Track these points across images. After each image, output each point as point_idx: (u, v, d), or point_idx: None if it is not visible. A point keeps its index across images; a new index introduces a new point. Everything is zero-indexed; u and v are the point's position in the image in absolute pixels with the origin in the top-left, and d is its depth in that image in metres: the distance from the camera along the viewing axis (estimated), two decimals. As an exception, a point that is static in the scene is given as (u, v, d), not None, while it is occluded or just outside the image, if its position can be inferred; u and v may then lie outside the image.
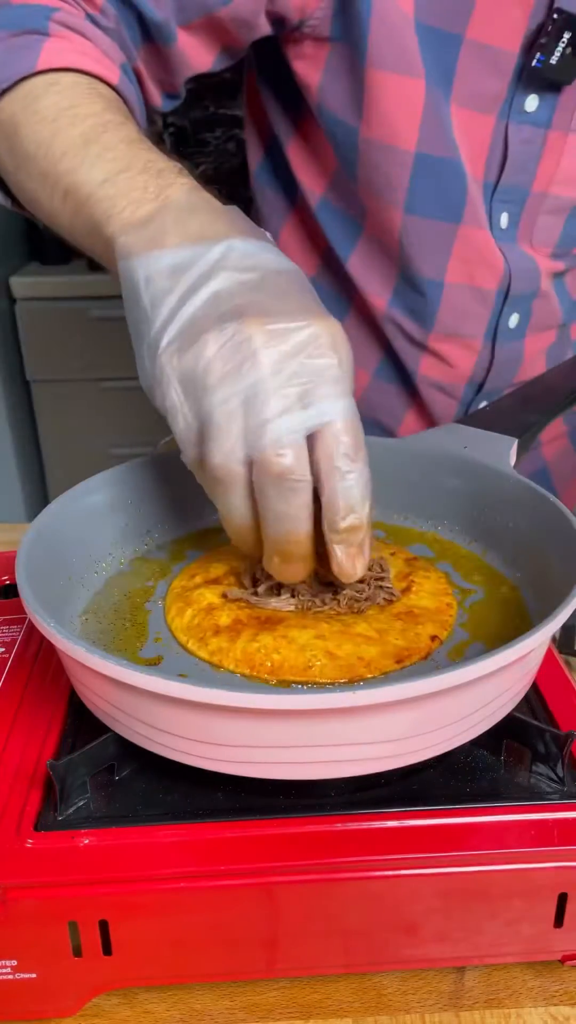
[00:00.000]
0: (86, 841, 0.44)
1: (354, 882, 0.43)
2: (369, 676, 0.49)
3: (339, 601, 0.53)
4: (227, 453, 0.44)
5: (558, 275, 0.92)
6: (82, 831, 0.44)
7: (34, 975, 0.44)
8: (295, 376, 0.43)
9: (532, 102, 0.78)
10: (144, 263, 0.47)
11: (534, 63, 0.74)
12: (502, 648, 0.42)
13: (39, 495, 2.68)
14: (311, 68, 0.78)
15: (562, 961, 0.47)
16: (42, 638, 0.58)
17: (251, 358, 0.43)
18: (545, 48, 0.73)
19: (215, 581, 0.56)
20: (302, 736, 0.42)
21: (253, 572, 0.54)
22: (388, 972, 0.47)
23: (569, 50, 0.73)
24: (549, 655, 0.56)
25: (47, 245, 2.29)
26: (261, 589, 0.53)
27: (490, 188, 0.82)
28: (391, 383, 0.93)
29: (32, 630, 0.60)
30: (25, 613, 0.47)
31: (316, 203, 0.87)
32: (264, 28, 0.75)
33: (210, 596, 0.54)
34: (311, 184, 0.86)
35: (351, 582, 0.48)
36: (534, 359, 0.94)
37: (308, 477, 0.44)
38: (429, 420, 0.94)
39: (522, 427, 0.66)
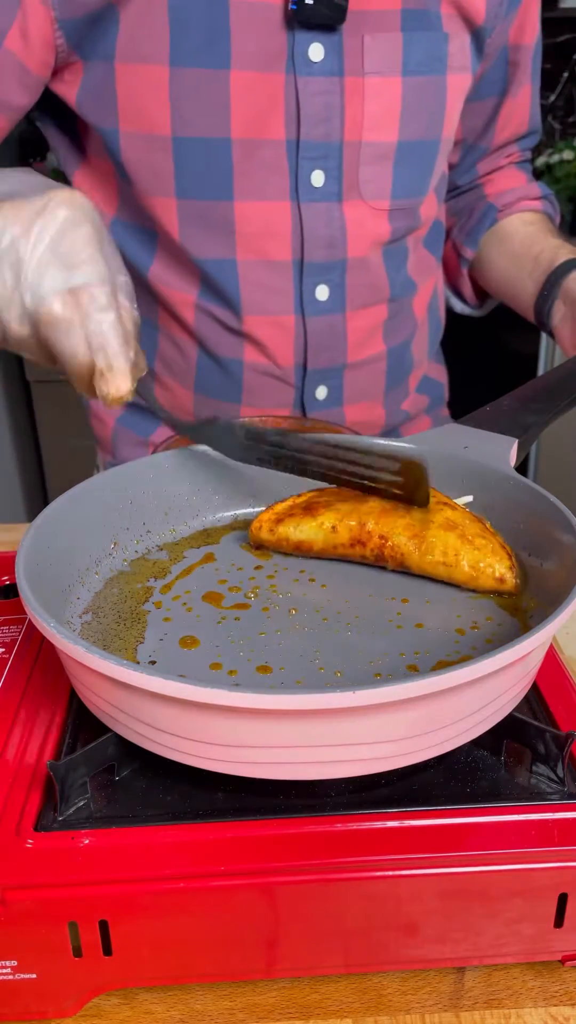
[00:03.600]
0: (86, 841, 0.44)
1: (354, 882, 0.43)
2: None
3: None
4: (17, 318, 0.54)
5: (391, 243, 0.89)
6: (82, 831, 0.44)
7: (34, 975, 0.44)
8: (53, 248, 0.52)
9: (316, 51, 0.78)
10: None
11: (291, 6, 0.74)
12: (502, 648, 0.42)
13: (39, 495, 2.68)
14: (69, 88, 0.80)
15: (562, 961, 0.47)
16: (42, 638, 0.58)
17: (11, 245, 0.53)
18: None
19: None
20: (302, 736, 0.42)
21: None
22: (388, 972, 0.47)
23: None
24: (549, 655, 0.56)
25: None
26: None
27: (293, 146, 0.81)
28: (216, 379, 0.92)
29: (32, 630, 0.60)
30: (25, 613, 0.47)
31: (108, 225, 0.86)
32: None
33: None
34: (103, 208, 0.87)
35: (117, 403, 0.55)
36: (365, 336, 0.91)
37: (76, 318, 0.53)
38: (263, 410, 0.92)
39: (522, 427, 0.66)
